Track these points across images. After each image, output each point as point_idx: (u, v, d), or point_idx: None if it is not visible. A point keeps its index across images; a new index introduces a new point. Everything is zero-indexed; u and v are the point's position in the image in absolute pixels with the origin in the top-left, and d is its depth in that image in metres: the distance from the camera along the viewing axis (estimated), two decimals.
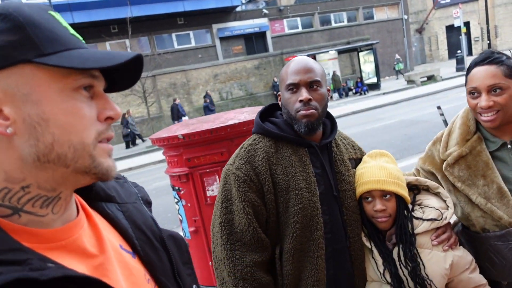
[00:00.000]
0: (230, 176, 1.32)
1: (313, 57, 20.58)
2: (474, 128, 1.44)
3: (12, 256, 0.48)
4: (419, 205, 1.40)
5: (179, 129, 2.56)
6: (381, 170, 1.37)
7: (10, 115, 0.51)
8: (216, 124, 2.44)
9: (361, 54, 21.53)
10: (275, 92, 20.66)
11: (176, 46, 21.34)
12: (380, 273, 1.34)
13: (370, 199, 1.36)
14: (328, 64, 20.87)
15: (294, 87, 1.32)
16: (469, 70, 1.41)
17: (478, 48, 31.71)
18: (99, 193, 0.70)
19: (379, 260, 1.34)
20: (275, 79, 21.29)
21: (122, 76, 0.63)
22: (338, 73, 20.62)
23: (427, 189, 1.45)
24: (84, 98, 0.56)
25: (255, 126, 1.43)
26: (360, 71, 21.34)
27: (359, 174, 1.40)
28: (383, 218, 1.34)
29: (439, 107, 6.81)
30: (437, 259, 1.31)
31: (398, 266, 1.32)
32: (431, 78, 19.15)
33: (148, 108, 16.87)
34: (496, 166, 1.38)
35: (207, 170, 2.51)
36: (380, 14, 26.82)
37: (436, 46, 32.33)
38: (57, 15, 0.58)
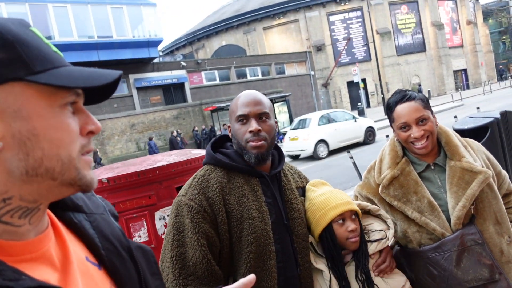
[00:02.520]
0: (182, 207, 1.29)
1: None
2: (401, 153, 1.60)
3: None
4: (363, 229, 1.48)
5: (102, 173, 2.44)
6: (343, 194, 1.47)
7: None
8: (143, 167, 2.39)
9: (275, 105, 22.93)
10: (197, 141, 20.64)
11: None
12: None
13: (341, 221, 1.41)
14: None
15: (244, 119, 1.36)
16: (391, 108, 1.58)
17: (374, 101, 36.10)
18: (67, 203, 0.69)
19: (332, 281, 1.38)
20: (196, 128, 21.37)
21: (97, 91, 0.64)
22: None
23: (368, 212, 1.56)
24: (69, 113, 0.58)
25: (207, 156, 1.43)
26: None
27: (324, 200, 1.44)
28: (356, 237, 1.40)
29: (348, 151, 7.51)
30: (378, 281, 1.41)
31: (352, 282, 1.37)
32: None
33: None
34: (424, 185, 1.54)
35: (134, 215, 2.39)
36: (291, 70, 29.28)
37: (340, 99, 35.97)
38: (37, 32, 0.60)
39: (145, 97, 22.11)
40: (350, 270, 1.41)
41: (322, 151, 12.33)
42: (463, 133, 5.51)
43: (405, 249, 1.59)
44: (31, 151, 0.53)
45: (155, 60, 22.53)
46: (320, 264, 1.42)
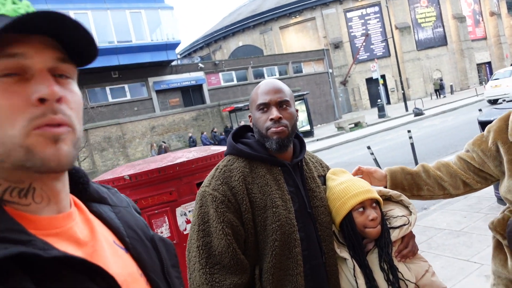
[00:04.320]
0: (207, 197, 1.31)
1: (249, 107, 21.40)
2: None
3: (17, 236, 0.50)
4: (384, 215, 1.45)
5: (124, 170, 2.48)
6: (363, 182, 1.44)
7: None
8: (164, 163, 2.42)
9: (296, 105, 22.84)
10: (216, 143, 20.78)
11: (110, 99, 20.91)
12: (356, 281, 1.35)
13: (362, 209, 1.39)
14: None
15: (264, 107, 1.36)
16: None
17: (394, 97, 35.45)
18: (93, 195, 0.71)
19: (356, 269, 1.36)
20: (215, 130, 21.53)
21: (79, 45, 0.58)
22: None
23: (389, 199, 1.53)
24: (4, 85, 0.51)
25: (228, 147, 1.44)
26: None
27: (344, 189, 1.43)
28: (376, 226, 1.38)
29: (369, 147, 7.39)
30: (401, 266, 1.38)
31: (374, 271, 1.35)
32: (357, 125, 20.77)
33: (80, 163, 15.95)
34: None
35: (156, 211, 2.42)
36: (308, 68, 29.10)
37: (359, 96, 35.51)
38: None
39: (164, 99, 22.46)
40: (373, 258, 1.39)
41: None
42: (488, 125, 5.30)
43: None
44: None
45: (174, 63, 22.86)
46: (344, 252, 1.41)
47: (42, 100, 0.52)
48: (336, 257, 1.42)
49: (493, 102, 16.76)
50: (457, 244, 3.98)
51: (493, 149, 1.46)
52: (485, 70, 39.44)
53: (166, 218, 2.44)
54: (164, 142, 18.99)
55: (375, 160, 7.21)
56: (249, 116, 1.48)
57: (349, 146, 14.54)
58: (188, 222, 2.49)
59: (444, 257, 3.70)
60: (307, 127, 21.89)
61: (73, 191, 0.65)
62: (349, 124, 20.68)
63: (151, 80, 21.90)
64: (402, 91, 25.41)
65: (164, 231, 2.44)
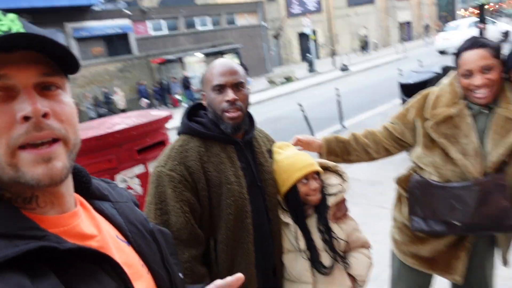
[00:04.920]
0: (163, 178, 1.34)
1: (180, 60, 20.61)
2: (461, 94, 1.62)
3: (32, 233, 0.54)
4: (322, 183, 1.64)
5: None
6: (306, 155, 1.59)
7: None
8: (102, 130, 2.36)
9: (226, 57, 22.46)
10: (142, 97, 19.89)
11: None
12: (297, 242, 1.53)
13: (305, 181, 1.55)
14: (195, 67, 21.13)
15: (220, 88, 1.39)
16: (458, 55, 1.58)
17: (323, 53, 36.51)
18: (95, 192, 0.74)
19: (298, 232, 1.54)
20: (142, 82, 20.48)
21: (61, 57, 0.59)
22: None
23: (327, 168, 1.70)
24: None
25: (183, 126, 1.46)
26: None
27: (290, 163, 1.56)
28: (317, 194, 1.56)
29: (300, 105, 7.73)
30: (335, 227, 1.60)
31: (312, 233, 1.55)
32: (288, 79, 21.25)
33: None
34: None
35: None
36: (241, 20, 28.41)
37: (290, 50, 35.95)
38: None
39: (86, 48, 20.54)
40: (312, 222, 1.59)
41: None
42: (408, 87, 5.90)
43: (431, 181, 1.68)
44: None
45: (95, 8, 20.72)
46: (287, 218, 1.57)
47: (26, 118, 0.53)
48: (280, 223, 1.58)
49: (442, 53, 18.83)
50: (372, 193, 4.53)
51: (412, 123, 1.76)
52: (405, 29, 42.00)
53: None
54: (106, 88, 17.36)
55: (305, 117, 7.60)
56: (203, 95, 1.50)
57: (280, 101, 14.95)
58: (129, 188, 2.51)
59: (362, 205, 4.22)
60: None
61: (76, 189, 0.68)
62: (280, 78, 21.06)
63: (69, 26, 19.75)
64: (332, 47, 26.26)
65: None
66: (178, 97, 19.16)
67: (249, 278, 1.44)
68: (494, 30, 17.67)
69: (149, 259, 0.76)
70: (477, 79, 1.51)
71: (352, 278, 1.61)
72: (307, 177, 1.55)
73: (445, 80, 1.73)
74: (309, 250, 1.55)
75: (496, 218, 1.58)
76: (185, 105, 19.42)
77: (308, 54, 24.51)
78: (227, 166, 1.41)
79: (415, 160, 1.79)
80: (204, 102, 1.50)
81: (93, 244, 0.64)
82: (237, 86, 1.41)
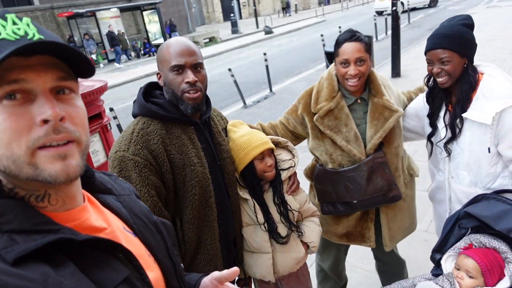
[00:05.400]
0: (127, 162, 1.32)
1: (93, 14, 18.68)
2: (337, 88, 1.84)
3: (47, 227, 0.58)
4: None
5: None
6: (261, 134, 1.65)
7: None
8: None
9: (145, 13, 20.94)
10: None
11: None
12: (255, 216, 1.63)
13: (261, 158, 1.61)
14: (110, 22, 19.36)
15: (179, 69, 1.36)
16: (338, 44, 1.77)
17: (246, 12, 36.00)
18: (99, 186, 0.77)
19: (256, 206, 1.63)
20: None
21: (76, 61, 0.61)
22: (116, 33, 19.02)
23: (277, 145, 1.78)
24: (7, 108, 0.55)
25: (140, 108, 1.41)
26: (146, 31, 20.88)
27: (246, 141, 1.61)
28: (272, 170, 1.64)
29: (230, 69, 7.68)
30: (290, 199, 1.73)
31: (269, 206, 1.66)
32: (212, 40, 20.72)
33: None
34: (351, 116, 1.83)
35: None
36: None
37: (212, 9, 34.73)
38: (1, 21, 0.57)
39: None
40: (269, 196, 1.69)
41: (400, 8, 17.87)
42: (332, 55, 6.22)
43: (328, 168, 1.92)
44: None
45: None
46: (245, 194, 1.65)
47: (45, 121, 0.56)
48: (239, 198, 1.65)
49: (380, 13, 19.64)
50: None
51: (301, 117, 1.96)
52: None
53: None
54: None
55: (235, 82, 7.61)
56: (158, 74, 1.45)
57: (206, 63, 14.38)
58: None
59: None
60: (161, 40, 20.65)
61: (81, 185, 0.70)
62: (204, 39, 20.44)
63: None
64: (254, 7, 25.98)
65: None
66: (93, 57, 17.48)
67: (215, 253, 1.51)
68: None
69: (154, 249, 0.79)
70: (352, 69, 1.73)
71: (306, 245, 1.77)
72: (263, 154, 1.63)
73: (324, 74, 1.93)
74: (267, 223, 1.66)
75: (382, 191, 1.87)
76: (102, 66, 17.90)
77: (231, 14, 23.96)
78: (189, 148, 1.41)
79: (312, 151, 2.03)
80: (159, 82, 1.46)
81: (104, 235, 0.67)
82: (196, 67, 1.40)
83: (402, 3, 19.65)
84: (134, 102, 1.47)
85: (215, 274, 0.93)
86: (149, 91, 1.49)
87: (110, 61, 18.82)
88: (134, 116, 1.45)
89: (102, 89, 2.61)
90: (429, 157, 2.00)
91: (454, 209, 1.85)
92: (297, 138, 2.06)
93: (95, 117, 2.63)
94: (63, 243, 0.56)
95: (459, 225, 1.67)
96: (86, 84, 2.56)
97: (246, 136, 1.63)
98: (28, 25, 0.58)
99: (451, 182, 1.86)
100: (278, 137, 1.81)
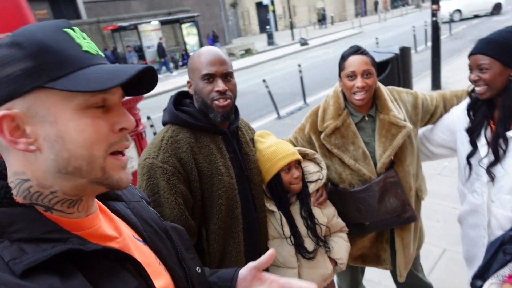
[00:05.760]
0: (156, 170, 1.33)
1: (135, 27, 19.52)
2: (343, 105, 1.79)
3: (57, 235, 0.58)
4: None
5: None
6: (288, 145, 1.63)
7: (32, 134, 0.58)
8: None
9: (183, 26, 21.64)
10: None
11: None
12: (282, 229, 1.60)
13: (288, 169, 1.59)
14: (151, 35, 20.17)
15: (210, 77, 1.37)
16: (344, 58, 1.73)
17: (282, 24, 36.31)
18: (109, 193, 0.78)
19: (282, 219, 1.60)
20: None
21: (139, 82, 0.68)
22: (164, 45, 20.06)
23: (304, 156, 1.76)
24: (95, 114, 0.61)
25: (170, 116, 1.43)
26: (184, 43, 21.52)
27: (273, 151, 1.59)
28: (299, 182, 1.61)
29: (264, 80, 7.73)
30: (318, 213, 1.68)
31: (296, 220, 1.62)
32: (248, 51, 21.01)
33: None
34: (359, 134, 1.77)
35: None
36: None
37: (248, 21, 35.31)
38: (72, 32, 0.61)
39: None
40: (296, 209, 1.65)
41: (457, 17, 17.98)
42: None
43: (338, 188, 1.85)
44: (59, 152, 0.59)
45: None
46: (272, 206, 1.62)
47: (122, 129, 0.63)
48: (266, 210, 1.63)
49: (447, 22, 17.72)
50: None
51: (308, 136, 1.91)
52: (361, 3, 42.68)
53: None
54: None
55: (269, 92, 7.63)
56: (188, 83, 1.47)
57: (241, 74, 14.80)
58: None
59: None
60: None
61: None
62: (240, 51, 20.76)
63: None
64: (290, 19, 26.14)
65: None
66: None
67: (240, 266, 1.48)
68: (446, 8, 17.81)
69: (165, 257, 0.79)
70: (359, 81, 1.67)
71: (333, 261, 1.71)
72: (289, 165, 1.60)
73: (329, 92, 1.88)
74: (294, 236, 1.61)
75: (396, 212, 1.77)
76: None
77: (267, 26, 24.22)
78: (217, 157, 1.41)
79: None
80: (190, 90, 1.47)
81: (114, 245, 0.67)
82: (226, 76, 1.40)
83: (459, 11, 18.76)
84: (164, 110, 1.49)
85: (252, 264, 0.92)
86: (180, 100, 1.51)
87: None
88: (164, 124, 1.47)
89: (138, 98, 2.70)
90: (463, 180, 1.80)
91: (494, 234, 1.66)
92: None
93: None
94: (73, 253, 0.57)
95: (504, 251, 1.53)
96: None
97: (272, 147, 1.61)
98: (85, 38, 0.63)
99: (491, 207, 1.66)
100: (306, 149, 1.78)
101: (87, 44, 0.63)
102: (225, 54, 1.45)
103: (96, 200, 0.73)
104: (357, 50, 1.71)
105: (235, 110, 1.55)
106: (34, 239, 0.56)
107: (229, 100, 1.39)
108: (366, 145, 1.78)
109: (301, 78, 8.36)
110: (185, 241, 0.89)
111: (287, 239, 1.62)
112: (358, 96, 1.69)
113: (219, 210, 1.40)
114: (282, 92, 9.88)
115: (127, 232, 0.74)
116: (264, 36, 25.44)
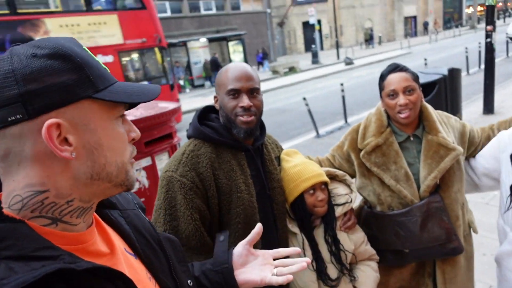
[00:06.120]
0: (174, 183, 1.32)
1: (184, 43, 20.36)
2: (386, 123, 1.71)
3: (47, 253, 0.56)
4: (329, 193, 1.61)
5: None
6: (314, 165, 1.56)
7: (73, 142, 0.60)
8: None
9: (230, 43, 22.25)
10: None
11: None
12: (303, 252, 1.51)
13: (312, 191, 1.52)
14: (199, 52, 20.92)
15: (235, 93, 1.36)
16: (382, 77, 1.67)
17: (328, 44, 36.23)
18: (103, 201, 0.77)
19: (305, 242, 1.52)
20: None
21: None
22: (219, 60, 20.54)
23: (334, 178, 1.69)
24: (121, 124, 0.68)
25: (194, 130, 1.42)
26: (230, 60, 22.07)
27: (297, 172, 1.53)
28: (324, 205, 1.53)
29: (304, 98, 7.68)
30: (344, 238, 1.59)
31: (319, 244, 1.53)
32: (292, 70, 21.10)
33: None
34: (402, 154, 1.67)
35: None
36: (246, 6, 28.00)
37: (294, 40, 35.58)
38: (88, 51, 0.66)
39: None
40: (320, 232, 1.57)
41: None
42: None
43: (375, 211, 1.75)
44: (97, 159, 0.63)
45: None
46: (294, 227, 1.55)
47: (133, 139, 0.71)
48: (288, 232, 1.55)
49: None
50: None
51: (346, 154, 1.84)
52: (411, 24, 41.66)
53: None
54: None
55: (309, 111, 7.56)
56: (215, 97, 1.46)
57: (283, 92, 14.87)
58: (136, 180, 2.49)
59: None
60: None
61: None
62: (284, 69, 20.91)
63: None
64: (336, 39, 26.02)
65: None
66: (181, 82, 18.97)
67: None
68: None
69: (157, 270, 0.78)
70: (401, 99, 1.59)
71: None
72: (314, 187, 1.53)
73: (372, 111, 1.80)
74: (316, 261, 1.53)
75: (439, 241, 1.62)
76: (187, 91, 19.27)
77: (313, 45, 24.27)
78: (237, 174, 1.38)
79: (359, 190, 1.83)
80: (216, 105, 1.46)
81: (106, 262, 0.66)
82: (252, 92, 1.38)
83: None
84: (190, 124, 1.49)
85: (243, 240, 0.96)
86: (206, 114, 1.50)
87: (195, 86, 20.19)
88: (188, 137, 1.46)
89: (175, 111, 2.76)
90: (503, 210, 1.59)
91: None
92: None
93: (166, 137, 2.78)
94: (63, 272, 0.55)
95: None
96: (160, 106, 2.73)
97: (298, 166, 1.55)
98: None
99: None
100: (335, 170, 1.70)
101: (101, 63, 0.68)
102: (253, 70, 1.43)
103: None
104: (395, 68, 1.65)
105: (261, 127, 1.52)
106: (24, 256, 0.54)
107: (253, 117, 1.37)
108: (409, 166, 1.67)
109: (343, 97, 8.22)
110: (179, 253, 0.87)
111: (309, 264, 1.54)
112: (404, 114, 1.61)
113: (236, 228, 1.36)
114: (323, 110, 9.76)
115: (119, 245, 0.73)
116: (309, 55, 25.46)
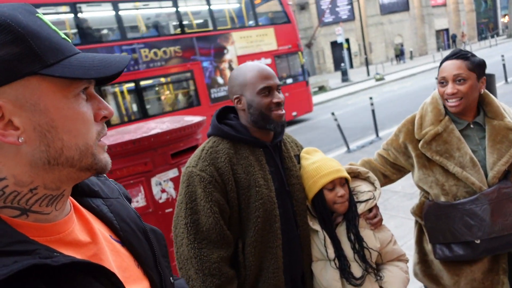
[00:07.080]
0: (194, 178, 1.37)
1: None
2: (444, 111, 1.67)
3: (21, 247, 0.51)
4: (352, 191, 1.60)
5: None
6: (333, 161, 1.56)
7: (20, 125, 0.53)
8: (138, 134, 2.43)
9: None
10: None
11: None
12: (325, 250, 1.50)
13: (331, 187, 1.52)
14: None
15: (267, 91, 1.41)
16: (441, 64, 1.65)
17: (357, 62, 36.02)
18: (84, 189, 0.73)
19: (326, 239, 1.50)
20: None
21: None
22: None
23: (357, 176, 1.67)
24: (83, 101, 0.59)
25: (213, 128, 1.49)
26: None
27: (316, 168, 1.53)
28: (344, 202, 1.52)
29: (333, 113, 7.64)
30: (369, 236, 1.55)
31: (342, 242, 1.51)
32: (321, 88, 21.09)
33: None
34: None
35: (131, 182, 2.47)
36: None
37: (323, 60, 35.71)
38: (44, 18, 0.58)
39: None
40: (342, 230, 1.54)
41: None
42: None
43: (440, 202, 1.67)
44: (51, 143, 0.56)
45: None
46: (316, 225, 1.54)
47: (103, 118, 0.63)
48: (309, 229, 1.55)
49: None
50: (410, 206, 4.34)
51: (403, 147, 1.79)
52: (443, 37, 40.72)
53: (141, 187, 2.49)
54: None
55: (338, 126, 7.50)
56: (236, 98, 1.46)
57: (313, 110, 14.86)
58: (163, 191, 2.56)
59: (399, 218, 4.06)
60: None
61: None
62: (314, 88, 20.93)
63: None
64: (365, 56, 25.86)
65: (139, 200, 2.50)
66: None
67: (277, 284, 1.42)
68: None
69: (142, 260, 0.74)
70: (450, 87, 1.57)
71: None
72: (333, 183, 1.52)
73: (427, 100, 1.76)
74: (339, 259, 1.50)
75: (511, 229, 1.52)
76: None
77: (342, 64, 24.23)
78: (256, 169, 1.41)
79: (419, 184, 1.78)
80: (239, 106, 1.47)
81: (87, 252, 0.62)
82: (278, 89, 1.45)
83: None
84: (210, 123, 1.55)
85: None
86: (225, 115, 1.56)
87: None
88: (208, 136, 1.52)
89: (200, 124, 2.85)
90: None
91: None
92: (398, 171, 1.88)
93: (192, 149, 2.86)
94: (39, 268, 0.50)
95: None
96: (186, 119, 2.83)
97: (316, 163, 1.55)
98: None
99: None
100: (358, 167, 1.68)
101: (61, 33, 0.59)
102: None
103: (70, 198, 0.68)
104: (454, 54, 1.62)
105: None
106: None
107: (284, 110, 1.44)
108: (473, 153, 1.62)
109: (373, 111, 8.09)
110: (163, 247, 0.83)
111: (331, 262, 1.51)
112: (451, 103, 1.60)
113: (256, 222, 1.38)
114: (353, 126, 9.63)
115: (103, 232, 0.70)
116: (339, 73, 25.40)
